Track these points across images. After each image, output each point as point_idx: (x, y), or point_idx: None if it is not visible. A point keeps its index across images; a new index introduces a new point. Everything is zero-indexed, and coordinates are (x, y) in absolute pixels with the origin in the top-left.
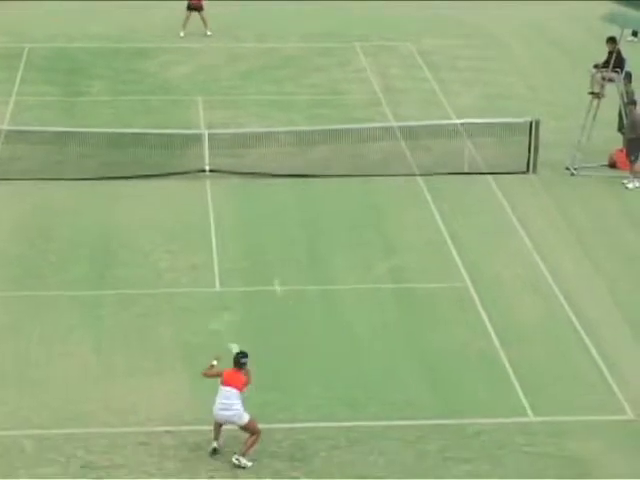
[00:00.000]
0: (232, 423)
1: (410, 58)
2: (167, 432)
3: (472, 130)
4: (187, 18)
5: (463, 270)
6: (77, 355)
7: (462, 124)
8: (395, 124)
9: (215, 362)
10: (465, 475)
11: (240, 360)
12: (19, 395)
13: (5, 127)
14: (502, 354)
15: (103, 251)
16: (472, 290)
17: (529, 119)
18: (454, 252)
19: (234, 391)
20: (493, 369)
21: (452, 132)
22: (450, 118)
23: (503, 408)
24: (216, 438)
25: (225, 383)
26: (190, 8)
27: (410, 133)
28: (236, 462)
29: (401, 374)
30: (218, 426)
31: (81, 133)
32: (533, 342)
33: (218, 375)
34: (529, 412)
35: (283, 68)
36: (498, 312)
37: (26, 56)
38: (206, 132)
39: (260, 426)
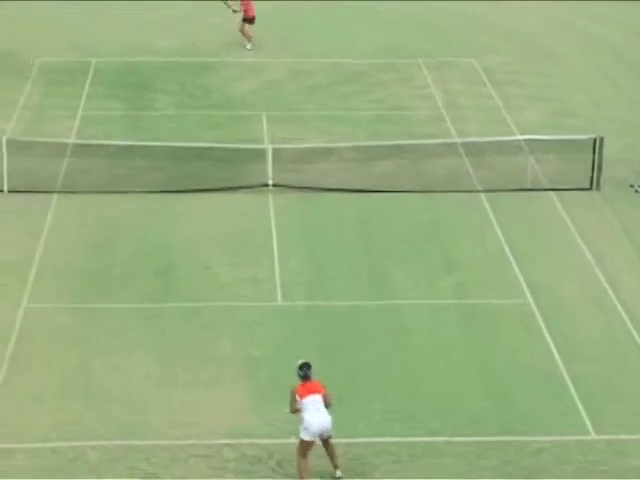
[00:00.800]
0: (328, 431)
1: (473, 74)
2: (228, 445)
3: (535, 146)
4: (247, 31)
5: (525, 286)
6: (140, 367)
7: (525, 140)
8: (458, 140)
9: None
10: None
11: (306, 373)
12: (83, 406)
13: (72, 141)
14: (564, 371)
15: (166, 264)
16: (534, 306)
17: (593, 136)
18: (516, 268)
19: (318, 397)
20: (555, 386)
21: (515, 148)
22: (513, 134)
23: (564, 426)
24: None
25: (310, 393)
26: (244, 20)
27: (473, 149)
28: (340, 474)
29: (462, 390)
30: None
31: (146, 147)
32: (595, 359)
33: (295, 398)
34: (590, 430)
35: (347, 83)
36: (560, 328)
37: (93, 71)
38: (270, 147)
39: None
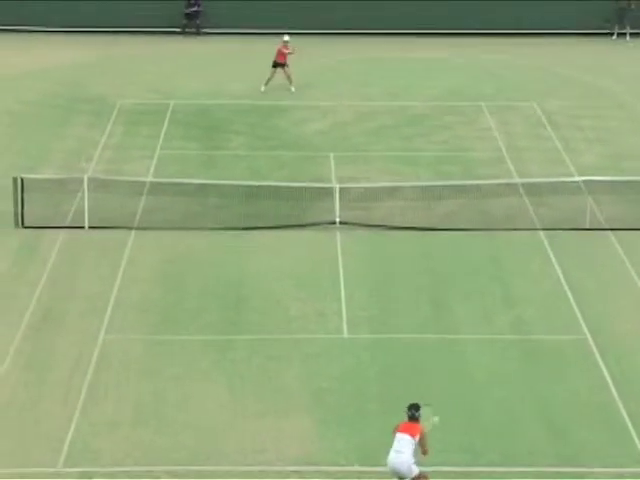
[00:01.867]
0: (401, 474)
1: (534, 117)
2: (295, 472)
3: (594, 188)
4: (272, 75)
5: (583, 323)
6: (211, 396)
7: (584, 181)
8: (519, 180)
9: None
10: None
11: (413, 414)
12: (157, 433)
13: (149, 179)
14: (621, 406)
15: (236, 298)
16: (592, 342)
17: None
18: (574, 305)
19: (407, 437)
20: (611, 420)
21: (574, 189)
22: (572, 175)
23: (621, 458)
24: None
25: (399, 430)
26: (275, 65)
27: (533, 189)
28: None
29: (520, 423)
30: None
31: (219, 185)
32: None
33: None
34: None
35: (411, 126)
36: (617, 364)
37: (170, 112)
38: (337, 186)
39: (385, 468)
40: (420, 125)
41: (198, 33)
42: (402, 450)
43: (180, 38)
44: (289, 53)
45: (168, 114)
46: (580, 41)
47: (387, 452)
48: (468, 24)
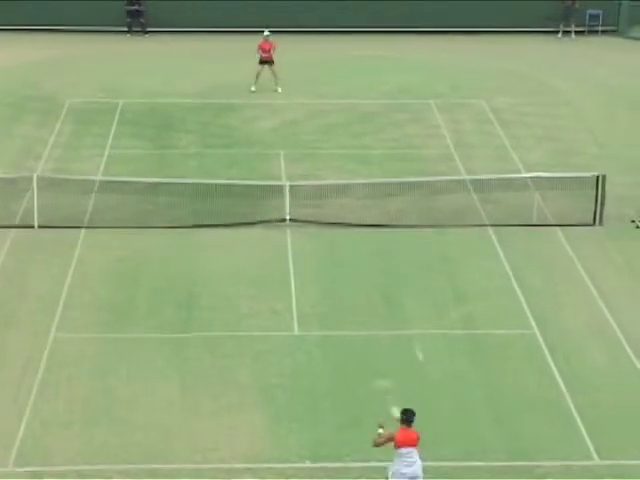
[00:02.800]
0: (418, 477)
1: (482, 115)
2: (248, 469)
3: (541, 184)
4: (259, 72)
5: (531, 318)
6: (163, 394)
7: (531, 178)
8: (467, 177)
9: (381, 430)
10: None
11: (411, 418)
12: (109, 432)
13: (99, 178)
14: (568, 399)
15: (188, 296)
16: (540, 337)
17: (596, 174)
18: (522, 300)
19: (414, 449)
20: (560, 414)
21: (522, 185)
22: (520, 172)
23: (570, 451)
24: None
25: (401, 445)
26: (262, 62)
27: (481, 186)
28: None
29: (471, 417)
30: None
31: (170, 184)
32: (599, 388)
33: (390, 440)
34: (594, 455)
35: (362, 123)
36: (565, 359)
37: (120, 111)
38: (287, 184)
39: (336, 465)
40: (371, 123)
41: (145, 32)
42: (416, 458)
43: (127, 37)
44: (269, 50)
45: (117, 113)
46: (528, 39)
47: (335, 446)
48: (422, 22)
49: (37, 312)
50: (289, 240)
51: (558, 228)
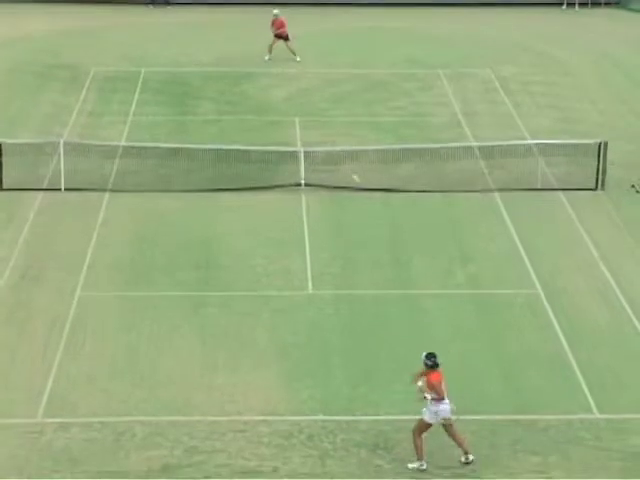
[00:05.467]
0: (449, 418)
1: (489, 83)
2: (263, 421)
3: (545, 150)
4: (273, 43)
5: (535, 278)
6: (183, 350)
7: (536, 144)
8: (474, 144)
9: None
10: (534, 466)
11: (434, 360)
12: (131, 386)
13: (122, 144)
14: (570, 356)
15: (207, 256)
16: (543, 296)
17: (598, 141)
18: (527, 261)
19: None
20: (562, 370)
21: (526, 152)
22: (525, 139)
23: (571, 405)
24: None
25: (440, 382)
26: (277, 36)
27: (488, 152)
28: (465, 459)
29: (476, 373)
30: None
31: (189, 149)
32: (599, 345)
33: (434, 383)
34: (595, 410)
35: (372, 92)
36: (567, 317)
37: (142, 80)
38: (302, 150)
39: (348, 418)
40: (381, 91)
41: (167, 3)
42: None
43: (150, 9)
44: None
45: (140, 81)
46: (533, 11)
47: (346, 400)
48: None
49: (63, 271)
50: (304, 203)
51: (561, 192)
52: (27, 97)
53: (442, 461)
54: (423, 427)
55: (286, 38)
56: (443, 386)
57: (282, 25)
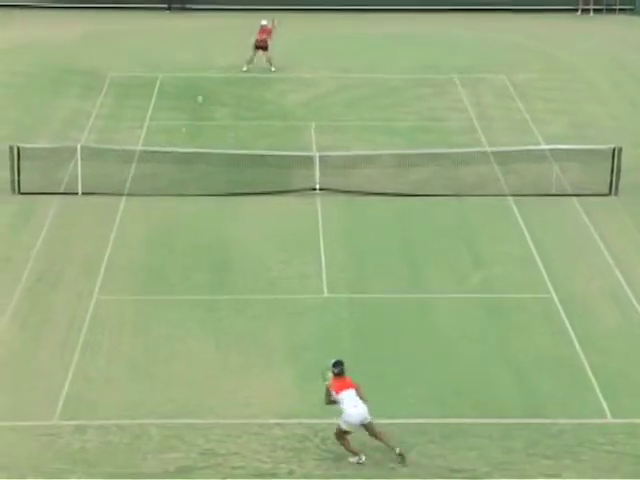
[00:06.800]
0: (365, 419)
1: (503, 89)
2: (277, 424)
3: (559, 155)
4: (253, 55)
5: (549, 282)
6: (198, 353)
7: (550, 150)
8: (488, 149)
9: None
10: (547, 469)
11: (341, 370)
12: (148, 388)
13: (139, 148)
14: (583, 360)
15: (223, 260)
16: (557, 301)
17: (612, 146)
18: (541, 266)
19: (352, 391)
20: (575, 374)
21: (541, 157)
22: (539, 144)
23: (584, 410)
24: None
25: (344, 389)
26: (256, 47)
27: (502, 157)
28: (400, 451)
29: (489, 376)
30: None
31: (205, 154)
32: (612, 350)
33: (334, 392)
34: (608, 414)
35: (388, 97)
36: (580, 321)
37: (159, 85)
38: (317, 154)
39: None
40: (396, 96)
41: (184, 9)
42: (358, 402)
43: (167, 14)
44: (268, 33)
45: (157, 86)
46: (547, 16)
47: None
48: (441, 1)
49: (80, 275)
50: (319, 208)
51: (575, 198)
52: (45, 102)
53: (456, 463)
54: (340, 433)
55: (265, 48)
56: (345, 394)
57: (266, 34)
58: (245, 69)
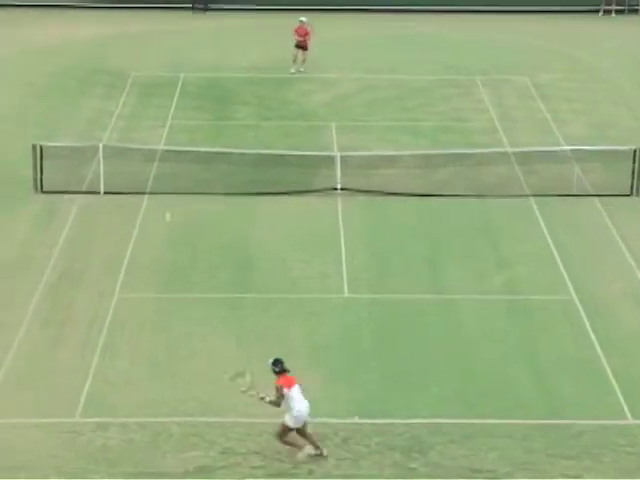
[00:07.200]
0: (308, 417)
1: (525, 90)
2: None
3: (580, 156)
4: (295, 55)
5: (570, 283)
6: (219, 351)
7: (571, 150)
8: (510, 149)
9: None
10: (567, 470)
11: (284, 367)
12: (169, 386)
13: (161, 147)
14: (604, 361)
15: (245, 259)
16: (577, 302)
17: (633, 147)
18: (562, 267)
19: (298, 387)
20: (596, 375)
21: (562, 157)
22: (560, 145)
23: (604, 411)
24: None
25: (293, 384)
26: (296, 46)
27: (523, 158)
28: (326, 453)
29: (511, 377)
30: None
31: (227, 153)
32: (633, 352)
33: (285, 390)
34: (628, 415)
35: (410, 97)
36: (601, 323)
37: (181, 84)
38: (338, 154)
39: (383, 421)
40: (419, 97)
41: (207, 9)
42: (303, 398)
43: (190, 14)
44: (304, 34)
45: (179, 86)
46: (569, 17)
47: (381, 403)
48: (464, 2)
49: (101, 273)
50: (340, 208)
51: (596, 198)
52: (69, 101)
53: (477, 463)
54: (286, 431)
55: (305, 48)
56: (294, 390)
57: (305, 34)
58: (293, 71)
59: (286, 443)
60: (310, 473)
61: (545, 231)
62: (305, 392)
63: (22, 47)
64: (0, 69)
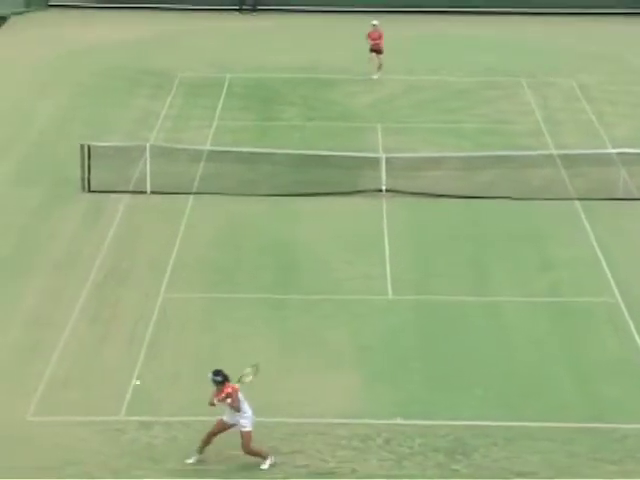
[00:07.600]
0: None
1: (571, 92)
2: (341, 424)
3: (627, 159)
4: (371, 59)
5: (614, 286)
6: (263, 351)
7: (617, 153)
8: (555, 152)
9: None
10: (611, 474)
11: (224, 375)
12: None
13: (207, 148)
14: None
15: (289, 260)
16: (622, 305)
17: None
18: (607, 270)
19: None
20: (639, 379)
21: (608, 160)
22: (606, 148)
23: None
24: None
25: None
26: (371, 50)
27: (569, 161)
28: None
29: (555, 380)
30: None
31: (273, 154)
32: None
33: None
34: None
35: (454, 99)
36: None
37: (227, 85)
38: (384, 156)
39: (426, 422)
40: (462, 99)
41: (254, 10)
42: None
43: (237, 15)
44: (377, 38)
45: (225, 87)
46: (612, 19)
47: (424, 405)
48: (506, 3)
49: (147, 272)
50: (384, 209)
51: None
52: (117, 101)
53: (519, 466)
54: (251, 437)
55: (379, 52)
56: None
57: (378, 37)
58: (376, 77)
59: (254, 453)
60: (353, 472)
61: (590, 234)
62: (347, 392)
63: (70, 48)
64: (49, 69)
